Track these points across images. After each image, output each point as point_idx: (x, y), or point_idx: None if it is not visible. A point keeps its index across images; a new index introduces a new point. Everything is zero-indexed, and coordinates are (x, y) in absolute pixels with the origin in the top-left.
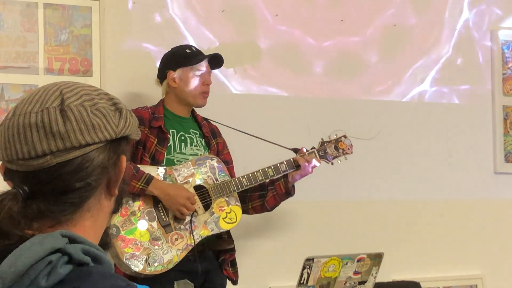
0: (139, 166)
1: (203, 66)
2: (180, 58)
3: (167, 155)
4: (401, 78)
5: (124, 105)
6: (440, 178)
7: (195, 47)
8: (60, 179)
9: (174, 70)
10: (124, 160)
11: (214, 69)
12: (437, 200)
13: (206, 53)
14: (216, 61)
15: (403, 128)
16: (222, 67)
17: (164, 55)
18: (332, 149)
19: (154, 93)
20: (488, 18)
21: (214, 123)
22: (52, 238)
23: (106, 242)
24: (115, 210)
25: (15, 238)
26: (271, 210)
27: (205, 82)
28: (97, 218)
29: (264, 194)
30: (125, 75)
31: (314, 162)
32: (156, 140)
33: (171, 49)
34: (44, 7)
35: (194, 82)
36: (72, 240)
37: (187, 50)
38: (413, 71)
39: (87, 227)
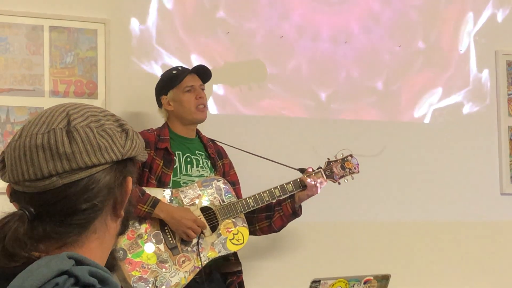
0: (145, 188)
1: (191, 81)
2: (168, 81)
3: (173, 177)
4: (409, 99)
5: (131, 126)
6: (447, 199)
7: (181, 67)
8: (66, 200)
9: (166, 94)
10: (130, 181)
11: (205, 81)
12: (444, 221)
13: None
14: (203, 73)
15: (409, 148)
16: (228, 87)
17: (157, 84)
18: (339, 168)
19: (159, 114)
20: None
21: (220, 144)
22: (59, 260)
23: (112, 264)
24: (121, 232)
25: (21, 260)
26: (279, 231)
27: (197, 96)
28: (104, 240)
29: (271, 215)
30: (131, 97)
31: (321, 181)
32: (162, 162)
33: (161, 75)
34: (50, 30)
35: (187, 99)
36: (79, 262)
37: (173, 72)
38: (419, 93)
39: (94, 249)
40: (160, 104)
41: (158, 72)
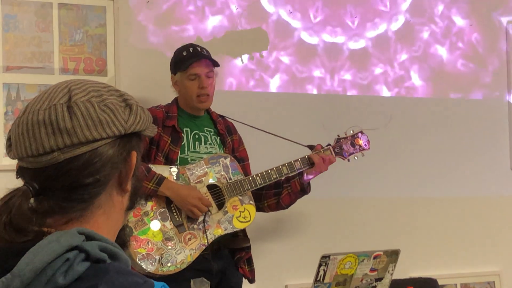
0: (152, 166)
1: (197, 69)
2: (177, 62)
3: (181, 154)
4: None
5: (136, 101)
6: (457, 175)
7: (193, 48)
8: (68, 175)
9: (175, 74)
10: (134, 156)
11: (216, 65)
12: (454, 196)
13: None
14: (211, 60)
15: (419, 124)
16: (236, 63)
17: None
18: (348, 145)
19: (169, 92)
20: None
21: (230, 120)
22: (69, 236)
23: (124, 241)
24: (130, 207)
25: (31, 234)
26: (287, 208)
27: (200, 85)
28: (110, 215)
29: (279, 192)
30: (140, 74)
31: (330, 159)
32: (170, 139)
33: (175, 50)
34: (59, 7)
35: (189, 87)
36: (89, 237)
37: (184, 53)
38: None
39: (101, 224)
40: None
41: (167, 49)
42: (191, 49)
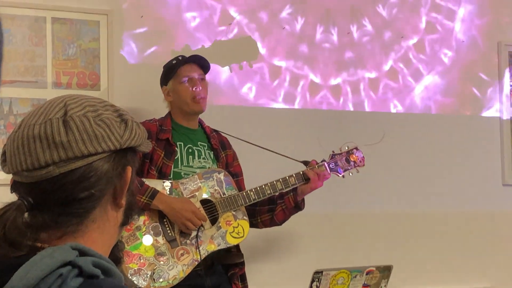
0: (145, 180)
1: (188, 71)
2: (167, 71)
3: (174, 168)
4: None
5: (132, 116)
6: (449, 190)
7: (182, 56)
8: (63, 189)
9: (166, 85)
10: (129, 171)
11: (206, 72)
12: (446, 211)
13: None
14: (202, 62)
15: (412, 139)
16: (233, 77)
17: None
18: (343, 161)
19: (162, 106)
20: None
21: (224, 135)
22: (63, 251)
23: (118, 256)
24: (124, 223)
25: (25, 249)
26: (281, 224)
27: (193, 87)
28: (104, 230)
29: (273, 208)
30: (133, 88)
31: (324, 175)
32: (163, 153)
33: (164, 65)
34: (52, 21)
35: (183, 90)
36: (82, 253)
37: (173, 61)
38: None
39: (95, 239)
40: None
41: (160, 63)
42: (180, 57)
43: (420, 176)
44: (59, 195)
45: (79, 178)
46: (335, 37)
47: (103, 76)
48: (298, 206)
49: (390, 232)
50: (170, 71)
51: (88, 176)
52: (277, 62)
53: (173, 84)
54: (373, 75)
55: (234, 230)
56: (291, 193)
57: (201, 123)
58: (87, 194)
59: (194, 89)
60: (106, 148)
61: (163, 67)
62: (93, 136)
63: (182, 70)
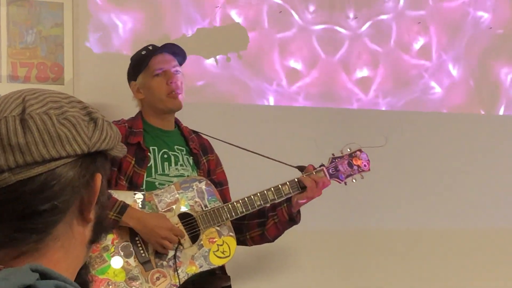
0: (112, 192)
1: (161, 62)
2: (136, 63)
3: (147, 177)
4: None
5: (102, 115)
6: (472, 205)
7: (152, 45)
8: (21, 200)
9: (135, 80)
10: (99, 179)
11: (182, 63)
12: (469, 228)
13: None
14: (177, 52)
15: (426, 141)
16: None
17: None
18: (345, 166)
19: (136, 104)
20: None
21: (205, 137)
22: (21, 273)
23: (86, 280)
24: (93, 240)
25: None
26: (273, 240)
27: (168, 80)
28: (69, 249)
29: (264, 222)
30: (102, 82)
31: (324, 181)
32: (134, 159)
33: (131, 57)
34: (7, 3)
35: (156, 85)
36: (44, 276)
37: (143, 52)
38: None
39: (58, 259)
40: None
41: (134, 53)
42: (150, 47)
43: (435, 184)
44: (15, 207)
45: (39, 187)
46: None
47: (67, 67)
48: (293, 219)
49: (395, 251)
50: (140, 64)
51: (50, 184)
52: None
53: (143, 79)
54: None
55: (219, 249)
56: (285, 204)
57: (178, 124)
58: (48, 206)
59: (169, 83)
60: (71, 151)
61: (131, 59)
62: (56, 137)
63: (154, 62)
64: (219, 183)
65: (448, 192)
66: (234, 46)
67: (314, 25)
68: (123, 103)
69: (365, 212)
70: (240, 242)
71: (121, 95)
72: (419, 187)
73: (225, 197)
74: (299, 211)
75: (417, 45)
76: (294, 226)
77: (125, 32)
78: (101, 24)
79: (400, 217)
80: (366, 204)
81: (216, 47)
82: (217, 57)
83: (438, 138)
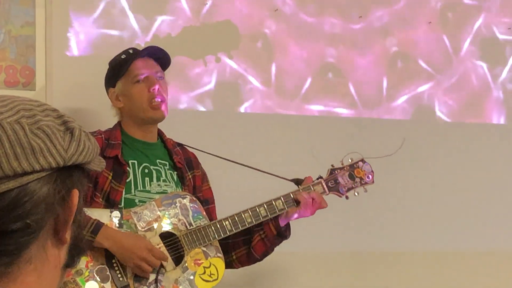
0: (86, 210)
1: (143, 67)
2: (115, 68)
3: (125, 194)
4: None
5: (79, 125)
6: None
7: (133, 49)
8: None
9: (114, 86)
10: (76, 196)
11: (165, 68)
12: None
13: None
14: (160, 56)
15: (439, 152)
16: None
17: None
18: (346, 178)
19: (114, 113)
20: None
21: (191, 150)
22: None
23: None
24: (69, 264)
25: None
26: (261, 259)
27: (151, 87)
28: (42, 273)
29: (249, 239)
30: (79, 89)
31: (321, 202)
32: (111, 174)
33: (109, 62)
34: None
35: (137, 92)
36: None
37: (122, 56)
38: None
39: (30, 284)
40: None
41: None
42: (130, 50)
43: (449, 200)
44: None
45: (10, 204)
46: None
47: (39, 71)
48: (282, 234)
49: (402, 275)
50: (119, 69)
51: (22, 201)
52: None
53: (123, 85)
54: None
55: (205, 272)
56: (272, 218)
57: (161, 135)
58: (20, 226)
59: (151, 90)
60: (45, 165)
61: (109, 63)
62: (28, 149)
63: (135, 67)
64: (205, 201)
65: (463, 211)
66: (224, 45)
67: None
68: (102, 112)
69: (370, 229)
70: (226, 264)
71: (100, 103)
72: (427, 204)
73: (210, 215)
74: (288, 225)
75: None
76: (290, 247)
77: (105, 32)
78: (78, 23)
79: (413, 237)
80: (368, 222)
81: (204, 46)
82: (205, 57)
83: (452, 148)
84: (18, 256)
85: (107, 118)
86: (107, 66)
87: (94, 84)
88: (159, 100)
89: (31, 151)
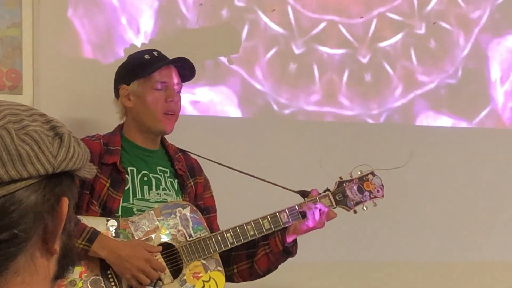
0: (82, 218)
1: (167, 76)
2: (135, 66)
3: (123, 202)
4: None
5: (69, 130)
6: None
7: (159, 52)
8: None
9: (128, 84)
10: (65, 204)
11: (185, 81)
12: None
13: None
14: (184, 68)
15: (452, 161)
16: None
17: (120, 66)
18: (355, 191)
19: (108, 118)
20: None
21: (194, 157)
22: None
23: None
24: (58, 275)
25: None
26: (264, 275)
27: (168, 98)
28: (31, 285)
29: (254, 253)
30: (68, 93)
31: (329, 213)
32: (109, 182)
33: (129, 55)
34: None
35: (153, 99)
36: None
37: (146, 56)
38: None
39: None
40: (117, 95)
41: (107, 58)
42: (155, 53)
43: (461, 213)
44: None
45: None
46: None
47: (26, 74)
48: (288, 250)
49: (412, 286)
50: (141, 69)
51: (9, 210)
52: None
53: (140, 87)
54: None
55: (205, 286)
56: (279, 232)
57: (162, 141)
58: (7, 236)
59: (169, 100)
60: (33, 172)
61: (129, 57)
62: (15, 156)
63: (159, 74)
64: (206, 209)
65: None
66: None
67: None
68: (94, 117)
69: (379, 242)
70: (226, 277)
71: (91, 107)
72: (436, 214)
73: (211, 225)
74: (295, 241)
75: None
76: (295, 257)
77: (96, 32)
78: (68, 24)
79: (416, 248)
80: (380, 233)
81: (204, 50)
82: (205, 61)
83: (466, 156)
84: (5, 268)
85: (98, 124)
86: (99, 70)
87: (84, 88)
88: (172, 113)
89: (18, 158)
